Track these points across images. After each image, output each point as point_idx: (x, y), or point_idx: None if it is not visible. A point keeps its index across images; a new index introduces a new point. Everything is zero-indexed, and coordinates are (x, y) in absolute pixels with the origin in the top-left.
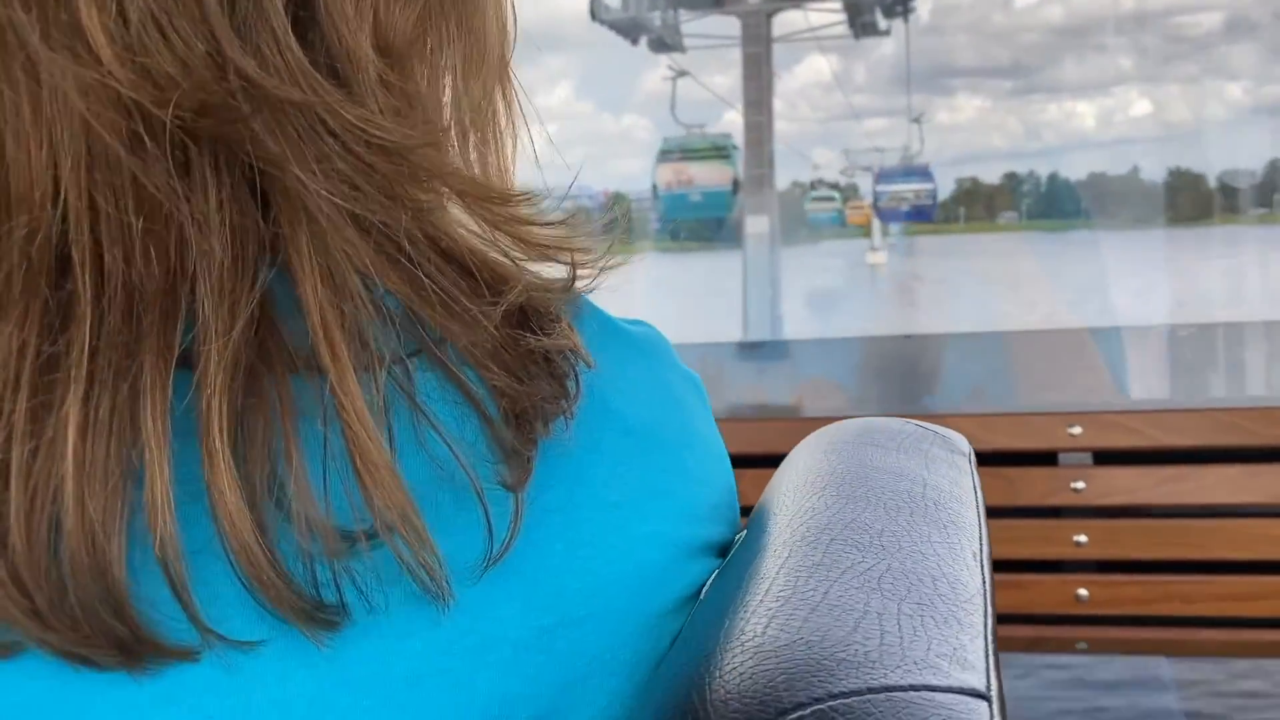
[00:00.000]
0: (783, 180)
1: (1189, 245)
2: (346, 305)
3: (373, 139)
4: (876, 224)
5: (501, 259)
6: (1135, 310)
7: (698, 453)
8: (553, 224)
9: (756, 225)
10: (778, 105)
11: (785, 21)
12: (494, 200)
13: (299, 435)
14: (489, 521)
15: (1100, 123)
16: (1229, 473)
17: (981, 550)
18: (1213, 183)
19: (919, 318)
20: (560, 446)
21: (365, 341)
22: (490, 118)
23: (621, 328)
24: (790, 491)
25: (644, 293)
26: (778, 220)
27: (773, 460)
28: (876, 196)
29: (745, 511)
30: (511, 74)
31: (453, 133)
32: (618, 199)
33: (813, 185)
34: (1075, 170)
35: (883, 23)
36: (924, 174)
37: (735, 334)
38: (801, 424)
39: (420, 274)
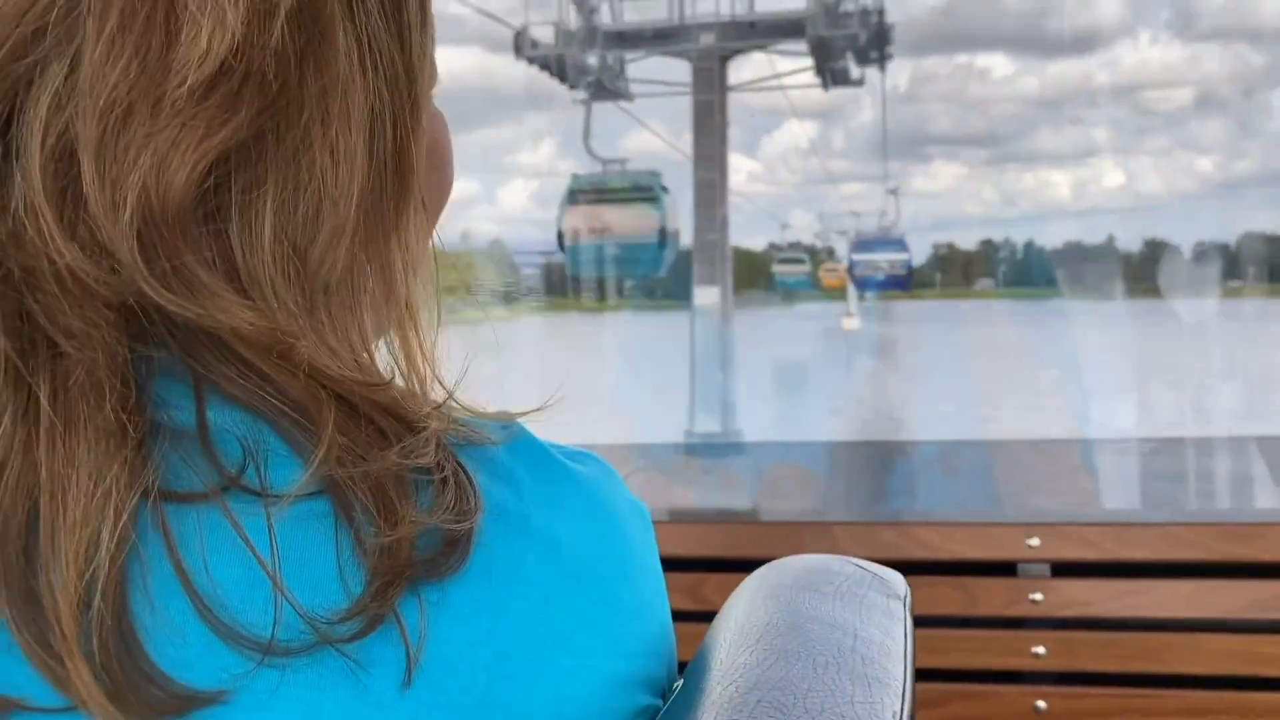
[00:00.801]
0: (759, 241)
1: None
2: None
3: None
4: (852, 288)
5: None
6: (1109, 405)
7: (635, 585)
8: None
9: (706, 297)
10: (756, 168)
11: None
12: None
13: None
14: (408, 646)
15: (1075, 192)
16: (1186, 588)
17: (903, 709)
18: (1187, 254)
19: (889, 394)
20: (485, 577)
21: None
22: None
23: (559, 460)
24: (726, 644)
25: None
26: (731, 291)
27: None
28: (853, 264)
29: (698, 617)
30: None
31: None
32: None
33: (781, 248)
34: (1051, 238)
35: (855, 71)
36: (899, 244)
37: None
38: (759, 527)
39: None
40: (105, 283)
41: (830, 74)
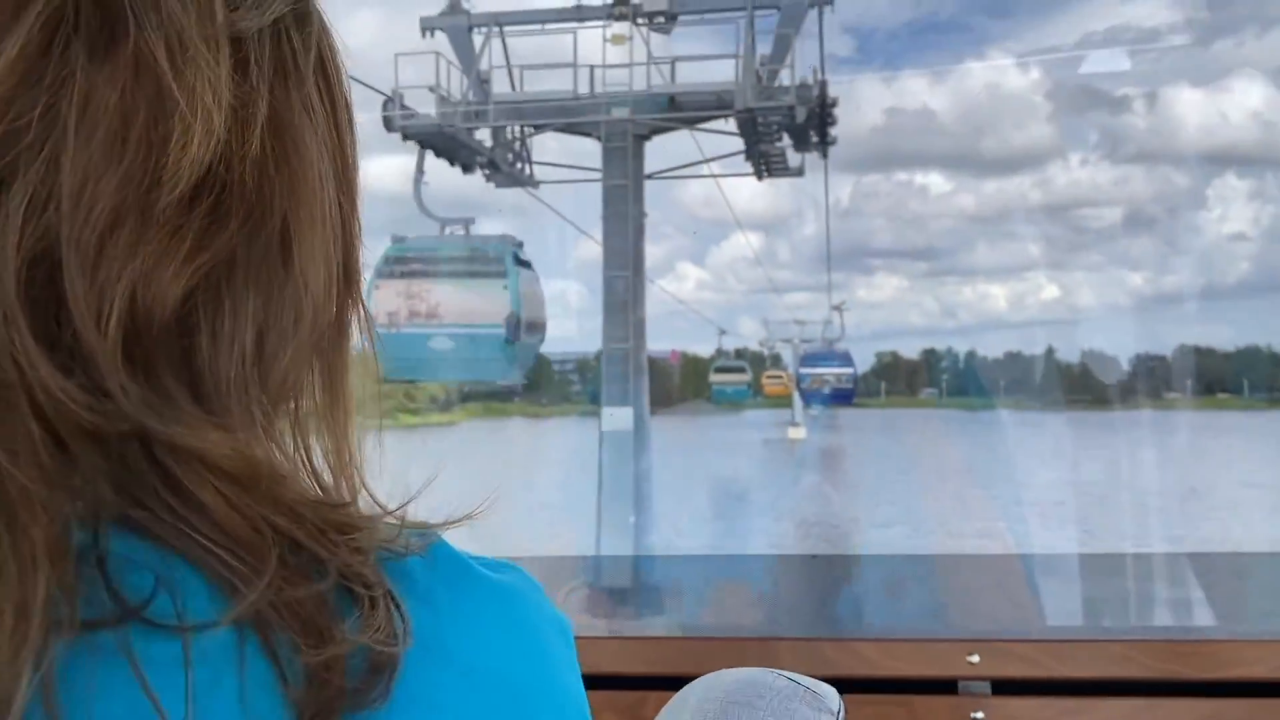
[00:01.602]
0: (707, 349)
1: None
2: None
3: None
4: (797, 398)
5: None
6: (1050, 519)
7: (556, 701)
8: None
9: (616, 421)
10: (705, 277)
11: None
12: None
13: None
14: None
15: (1012, 305)
16: (1127, 706)
17: None
18: (1125, 366)
19: (834, 509)
20: (401, 707)
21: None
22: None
23: (479, 573)
24: None
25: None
26: (645, 409)
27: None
28: (800, 378)
29: None
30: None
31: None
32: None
33: (724, 356)
34: (991, 349)
35: (794, 158)
36: (845, 358)
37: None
38: (701, 643)
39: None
40: (86, 404)
41: (765, 161)
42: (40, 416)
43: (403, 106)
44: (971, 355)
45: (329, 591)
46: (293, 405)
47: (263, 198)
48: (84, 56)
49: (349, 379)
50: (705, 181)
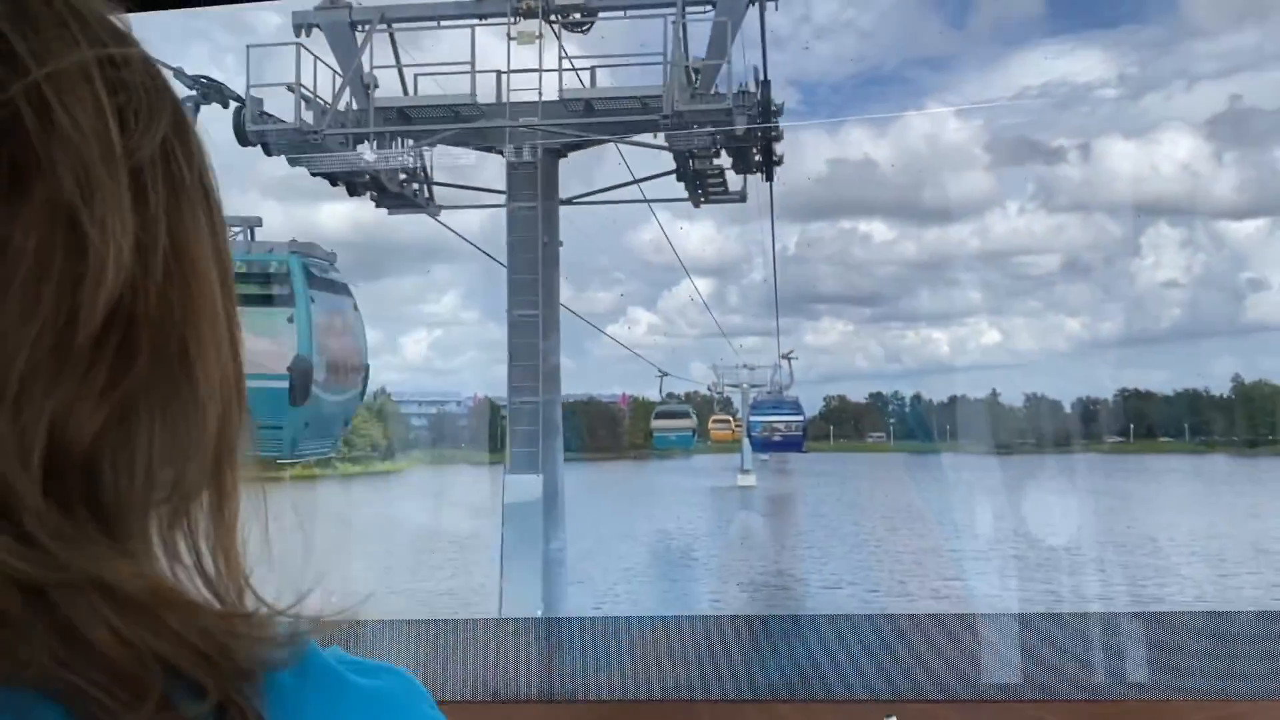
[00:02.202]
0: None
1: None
2: None
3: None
4: (747, 445)
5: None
6: (991, 570)
7: None
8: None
9: (521, 491)
10: (656, 321)
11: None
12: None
13: None
14: None
15: (954, 349)
16: None
17: None
18: (1067, 409)
19: (781, 564)
20: None
21: None
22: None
23: (352, 682)
24: None
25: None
26: (561, 478)
27: None
28: (750, 426)
29: None
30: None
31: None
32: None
33: (669, 400)
34: (937, 392)
35: (735, 181)
36: (794, 406)
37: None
38: (621, 706)
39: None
40: (13, 551)
41: (701, 183)
42: None
43: (263, 113)
44: (917, 399)
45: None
46: (197, 525)
47: (166, 323)
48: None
49: (239, 481)
50: (655, 227)
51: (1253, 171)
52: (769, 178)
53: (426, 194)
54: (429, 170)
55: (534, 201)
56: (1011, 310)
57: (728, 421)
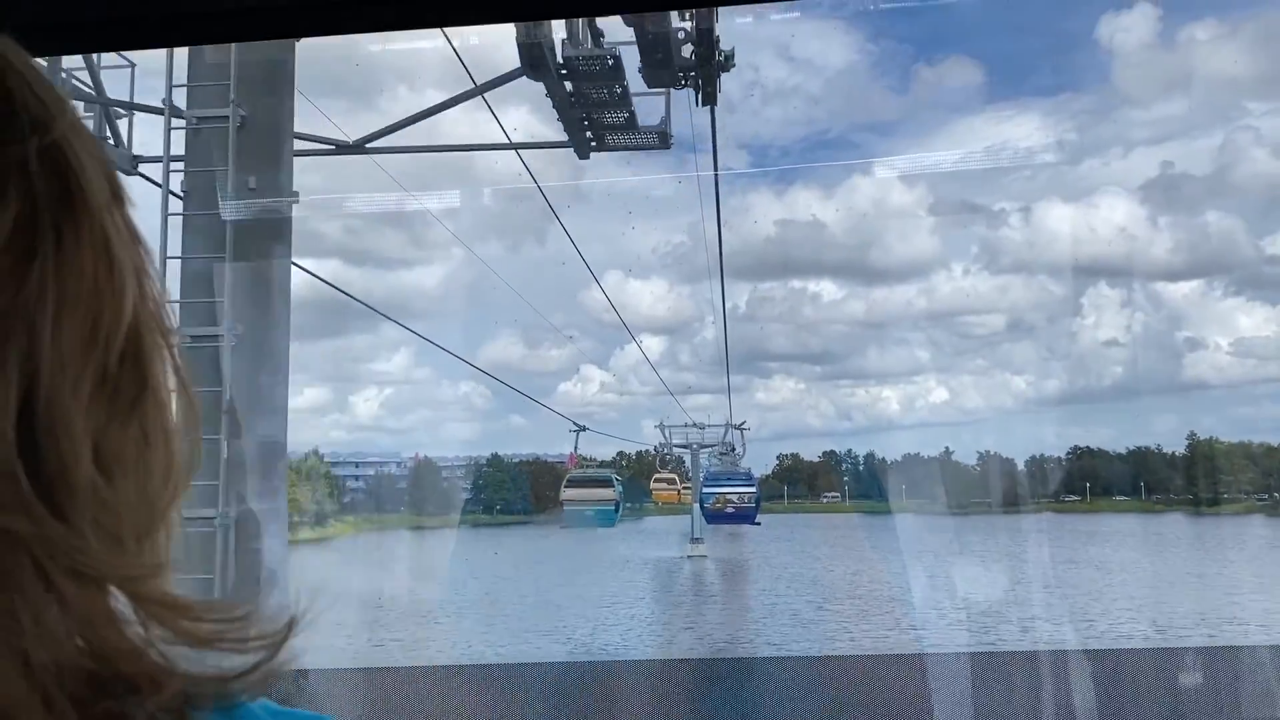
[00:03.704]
0: (607, 451)
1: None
2: None
3: (81, 570)
4: (697, 511)
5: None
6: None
7: None
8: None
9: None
10: (608, 379)
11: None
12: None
13: None
14: None
15: (904, 407)
16: None
17: None
18: (1020, 466)
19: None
20: None
21: None
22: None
23: None
24: None
25: None
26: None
27: None
28: (702, 498)
29: None
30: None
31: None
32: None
33: (590, 464)
34: (889, 450)
35: (649, 120)
36: (747, 479)
37: None
38: None
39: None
40: (75, 548)
41: (591, 116)
42: (39, 564)
43: None
44: (871, 457)
45: None
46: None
47: (154, 347)
48: (53, 240)
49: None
50: (610, 286)
51: (1185, 235)
52: (709, 99)
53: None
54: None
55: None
56: (959, 369)
57: (673, 481)
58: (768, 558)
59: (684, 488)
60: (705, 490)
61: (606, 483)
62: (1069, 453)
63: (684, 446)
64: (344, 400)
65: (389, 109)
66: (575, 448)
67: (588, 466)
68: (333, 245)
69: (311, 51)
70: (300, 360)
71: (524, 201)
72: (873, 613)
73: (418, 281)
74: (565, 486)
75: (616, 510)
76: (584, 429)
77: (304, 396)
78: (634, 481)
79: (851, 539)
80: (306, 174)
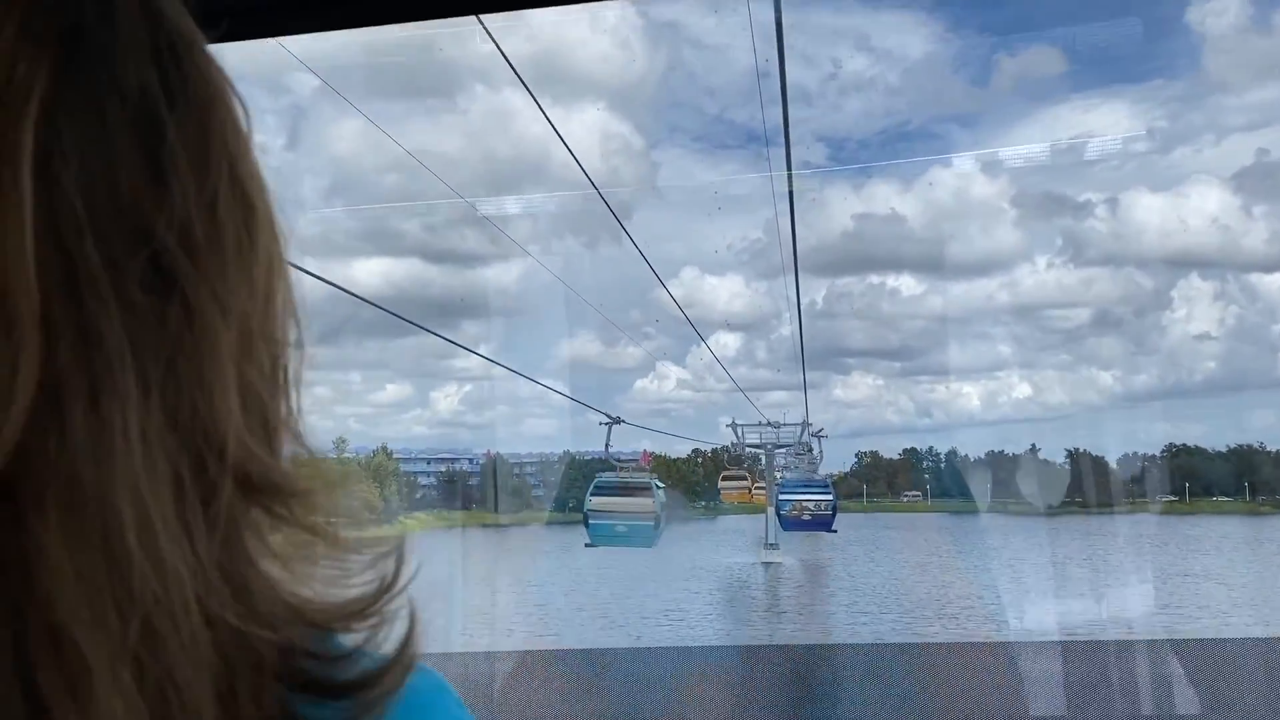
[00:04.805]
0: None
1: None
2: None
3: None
4: (772, 514)
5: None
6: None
7: None
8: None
9: None
10: (685, 376)
11: None
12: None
13: None
14: None
15: (986, 403)
16: None
17: None
18: (1113, 465)
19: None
20: None
21: None
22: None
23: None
24: None
25: None
26: None
27: None
28: (779, 505)
29: None
30: None
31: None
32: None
33: (623, 464)
34: (972, 447)
35: None
36: (824, 487)
37: None
38: None
39: None
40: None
41: None
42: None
43: None
44: (953, 455)
45: None
46: None
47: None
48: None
49: None
50: (687, 282)
51: None
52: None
53: None
54: None
55: None
56: (1043, 364)
57: (743, 479)
58: (847, 565)
59: (756, 487)
60: (781, 498)
61: (645, 489)
62: (1164, 450)
63: (758, 446)
64: (425, 396)
65: (467, 106)
66: (608, 442)
67: (625, 468)
68: (412, 244)
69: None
70: (383, 357)
71: (600, 200)
72: (970, 637)
73: (496, 279)
74: (592, 494)
75: (657, 526)
76: (618, 421)
77: (386, 392)
78: (709, 480)
79: (936, 543)
80: (386, 174)
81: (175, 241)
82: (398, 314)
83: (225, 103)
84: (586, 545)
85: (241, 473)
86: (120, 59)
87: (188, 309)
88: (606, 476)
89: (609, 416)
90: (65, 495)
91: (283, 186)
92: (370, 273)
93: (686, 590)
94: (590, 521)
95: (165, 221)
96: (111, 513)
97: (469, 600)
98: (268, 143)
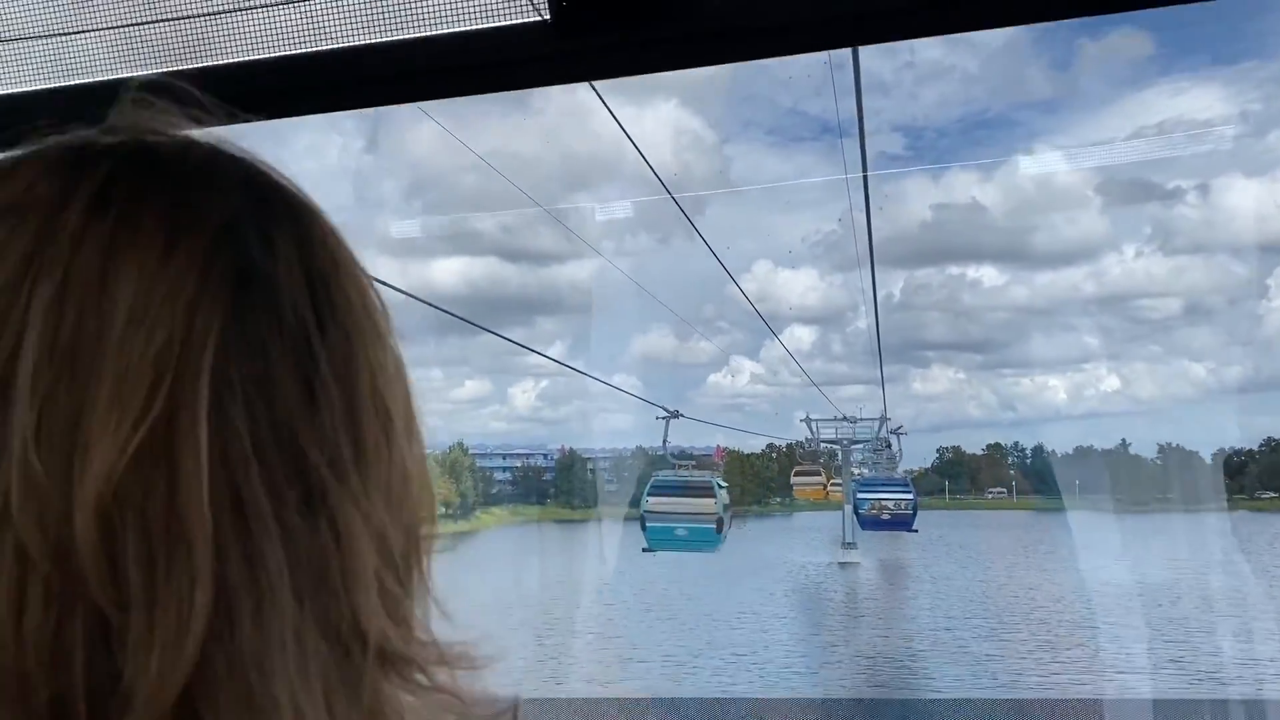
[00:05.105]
0: (758, 443)
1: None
2: None
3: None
4: (849, 513)
5: None
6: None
7: None
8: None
9: None
10: (758, 370)
11: None
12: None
13: None
14: None
15: (1072, 396)
16: None
17: None
18: (1208, 460)
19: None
20: None
21: None
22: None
23: None
24: None
25: None
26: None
27: None
28: (857, 504)
29: None
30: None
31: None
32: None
33: (680, 460)
34: (1058, 442)
35: None
36: (903, 485)
37: None
38: None
39: None
40: None
41: None
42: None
43: None
44: (1040, 450)
45: None
46: None
47: None
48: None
49: None
50: (760, 276)
51: None
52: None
53: None
54: None
55: None
56: (1131, 355)
57: (817, 474)
58: (929, 566)
59: (832, 484)
60: (860, 496)
61: (705, 489)
62: (1262, 444)
63: (833, 441)
64: (503, 391)
65: (541, 106)
66: (665, 437)
67: (684, 465)
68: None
69: None
70: (463, 354)
71: (671, 197)
72: (1061, 643)
73: (571, 276)
74: (649, 494)
75: (720, 529)
76: (676, 414)
77: (465, 389)
78: (783, 476)
79: (1024, 542)
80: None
81: (325, 464)
82: (465, 318)
83: (368, 318)
84: (644, 550)
85: (380, 651)
86: (280, 293)
87: (334, 524)
88: (664, 475)
89: (666, 410)
90: (235, 698)
91: (365, 189)
92: (449, 271)
93: (760, 591)
94: (647, 524)
95: (317, 446)
96: (274, 709)
97: (540, 598)
98: (352, 146)
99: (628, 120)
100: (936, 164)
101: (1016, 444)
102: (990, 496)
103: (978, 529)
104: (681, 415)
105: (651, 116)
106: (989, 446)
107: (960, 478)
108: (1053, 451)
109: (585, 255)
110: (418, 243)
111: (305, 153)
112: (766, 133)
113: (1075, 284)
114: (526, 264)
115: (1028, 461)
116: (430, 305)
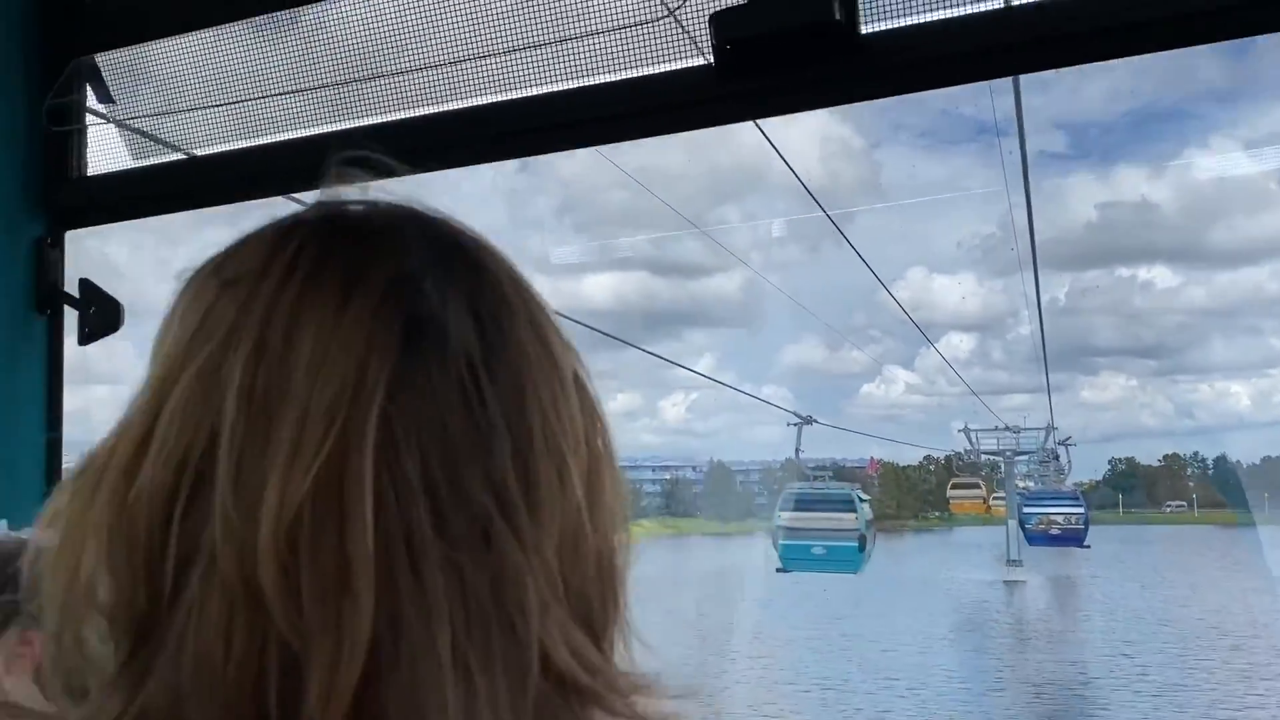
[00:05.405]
0: (914, 454)
1: None
2: None
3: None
4: (1014, 528)
5: None
6: None
7: None
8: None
9: None
10: (913, 380)
11: None
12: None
13: None
14: None
15: (1257, 403)
16: None
17: None
18: None
19: None
20: None
21: None
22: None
23: None
24: None
25: None
26: None
27: None
28: (1023, 518)
29: None
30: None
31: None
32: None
33: (818, 473)
34: (1243, 452)
35: None
36: (1073, 498)
37: None
38: None
39: None
40: None
41: None
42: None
43: None
44: (1222, 461)
45: None
46: None
47: None
48: None
49: None
50: (914, 282)
51: None
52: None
53: None
54: None
55: None
56: None
57: (976, 487)
58: (1102, 585)
59: (994, 497)
60: (1026, 510)
61: (845, 503)
62: None
63: (995, 453)
64: (653, 405)
65: None
66: (798, 445)
67: (820, 477)
68: (639, 258)
69: None
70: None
71: (823, 202)
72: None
73: (719, 288)
74: (782, 508)
75: (862, 548)
76: (809, 421)
77: (617, 401)
78: (941, 489)
79: (1209, 559)
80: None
81: (494, 504)
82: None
83: (542, 361)
84: (778, 570)
85: (560, 682)
86: (449, 339)
87: (501, 560)
88: (799, 488)
89: (798, 416)
90: None
91: (520, 209)
92: (600, 286)
93: (920, 611)
94: (781, 541)
95: (486, 487)
96: None
97: (684, 614)
98: (505, 167)
99: (773, 130)
100: (1102, 161)
101: (1196, 454)
102: (1168, 510)
103: (1155, 544)
104: (815, 421)
105: (799, 126)
106: (1166, 457)
107: (1135, 490)
108: (1238, 462)
109: (732, 268)
110: (568, 260)
111: (463, 175)
112: (918, 135)
113: (1259, 283)
114: (676, 277)
115: (1209, 473)
116: (577, 322)
